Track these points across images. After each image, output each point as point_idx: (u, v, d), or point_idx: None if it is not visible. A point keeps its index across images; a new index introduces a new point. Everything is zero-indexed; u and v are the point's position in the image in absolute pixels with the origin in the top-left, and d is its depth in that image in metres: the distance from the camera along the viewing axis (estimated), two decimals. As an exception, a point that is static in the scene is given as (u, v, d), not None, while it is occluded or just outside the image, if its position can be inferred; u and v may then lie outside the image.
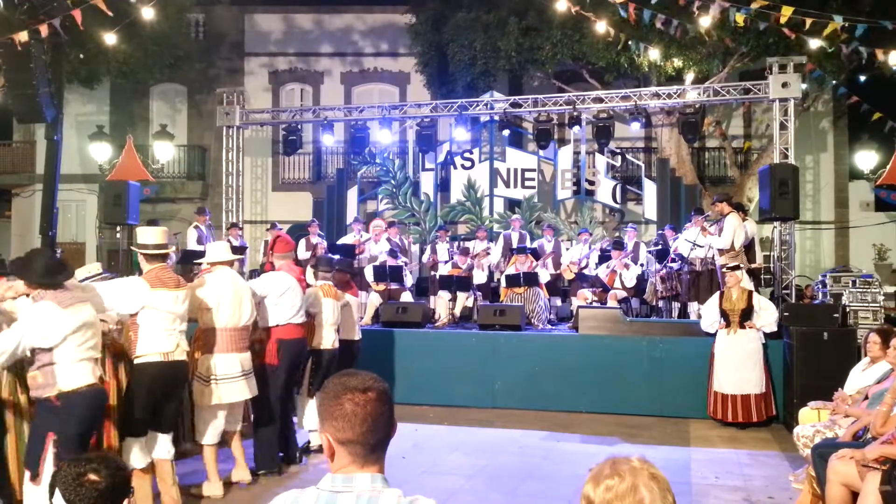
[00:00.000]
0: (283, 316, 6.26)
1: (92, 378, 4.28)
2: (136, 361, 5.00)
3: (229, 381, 5.65)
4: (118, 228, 12.31)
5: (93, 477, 1.95)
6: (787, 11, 8.49)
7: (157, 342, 4.98)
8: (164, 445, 5.22)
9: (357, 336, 7.82)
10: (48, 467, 4.04)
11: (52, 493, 1.95)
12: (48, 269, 4.31)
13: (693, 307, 10.67)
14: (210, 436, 5.74)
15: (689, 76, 14.92)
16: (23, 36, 8.78)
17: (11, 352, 4.09)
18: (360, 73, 19.61)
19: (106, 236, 18.13)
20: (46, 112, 10.20)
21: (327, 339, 6.99)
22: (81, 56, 14.01)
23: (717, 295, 8.76)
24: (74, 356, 4.23)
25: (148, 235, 5.25)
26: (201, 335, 5.72)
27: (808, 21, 8.65)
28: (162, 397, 5.11)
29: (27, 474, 4.20)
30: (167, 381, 5.09)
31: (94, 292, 4.74)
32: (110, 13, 8.83)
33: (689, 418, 8.59)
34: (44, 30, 8.91)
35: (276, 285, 6.26)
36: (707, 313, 8.73)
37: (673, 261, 11.04)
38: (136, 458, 4.99)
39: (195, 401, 5.78)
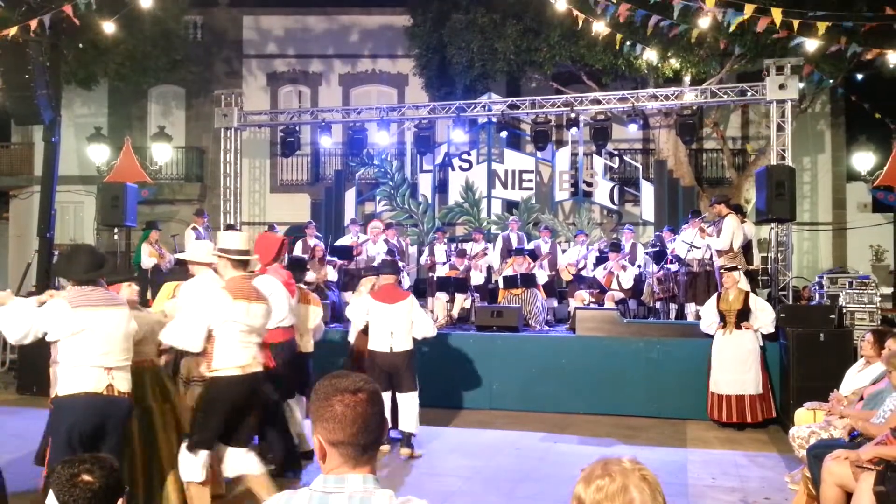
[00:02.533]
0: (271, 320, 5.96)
1: (94, 386, 4.12)
2: (211, 375, 4.72)
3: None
4: (116, 230, 12.30)
5: (86, 478, 1.95)
6: (776, 14, 8.50)
7: (234, 356, 4.67)
8: (247, 460, 4.90)
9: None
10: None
11: (45, 494, 1.96)
12: (89, 267, 4.30)
13: (690, 308, 10.69)
14: None
15: (687, 78, 14.95)
16: (13, 31, 8.78)
17: (23, 334, 4.14)
18: (358, 75, 19.62)
19: (104, 238, 18.11)
20: (44, 114, 10.21)
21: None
22: (80, 46, 13.97)
23: (715, 296, 8.78)
24: (76, 360, 4.13)
25: (231, 240, 4.91)
26: None
27: (796, 23, 8.66)
28: (238, 411, 4.82)
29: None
30: (244, 395, 4.81)
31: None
32: (104, 15, 8.83)
33: (686, 419, 8.60)
34: (34, 24, 8.90)
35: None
36: (706, 314, 8.75)
37: (670, 262, 11.05)
38: (194, 470, 4.66)
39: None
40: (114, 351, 4.25)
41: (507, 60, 15.59)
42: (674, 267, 11.01)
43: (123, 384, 4.30)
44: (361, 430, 1.83)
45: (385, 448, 6.91)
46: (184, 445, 4.69)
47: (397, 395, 7.02)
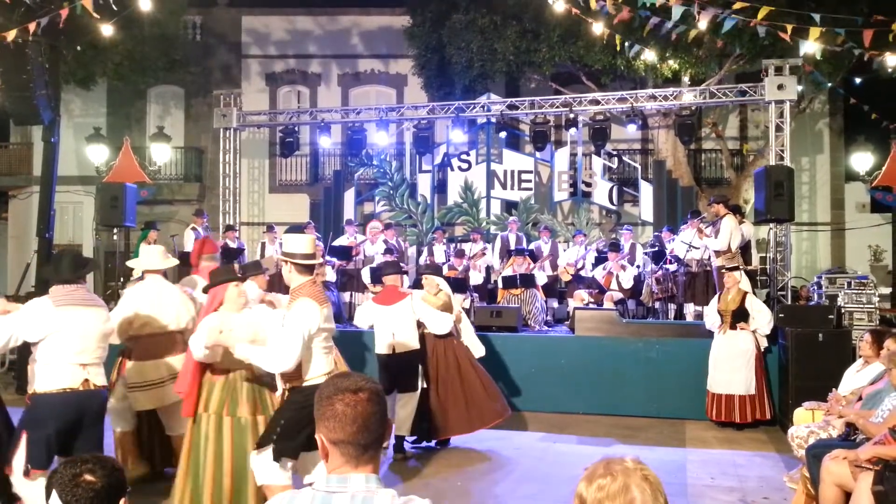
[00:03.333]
0: None
1: (70, 382, 4.25)
2: (307, 384, 4.47)
3: (145, 389, 5.61)
4: (115, 230, 12.30)
5: (88, 477, 1.96)
6: (762, 13, 8.51)
7: (323, 364, 4.52)
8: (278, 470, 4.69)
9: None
10: (18, 465, 4.18)
11: (48, 495, 1.97)
12: (74, 266, 4.50)
13: (689, 308, 10.71)
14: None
15: (686, 78, 14.97)
16: (12, 34, 8.77)
17: (3, 344, 4.24)
18: (357, 76, 19.62)
19: (103, 238, 18.11)
20: (43, 114, 10.21)
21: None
22: (79, 48, 13.96)
23: (717, 295, 8.80)
24: (54, 358, 4.28)
25: (297, 244, 4.58)
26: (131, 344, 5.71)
27: (789, 28, 8.67)
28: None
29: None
30: None
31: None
32: (96, 16, 8.81)
33: (685, 419, 8.62)
34: (32, 27, 8.90)
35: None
36: (709, 313, 8.77)
37: (669, 262, 11.07)
38: (276, 474, 4.49)
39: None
40: (90, 348, 4.42)
41: (507, 61, 15.60)
42: (672, 267, 11.03)
43: (99, 378, 4.47)
44: (362, 429, 1.84)
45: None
46: (264, 451, 4.48)
47: (396, 394, 6.90)
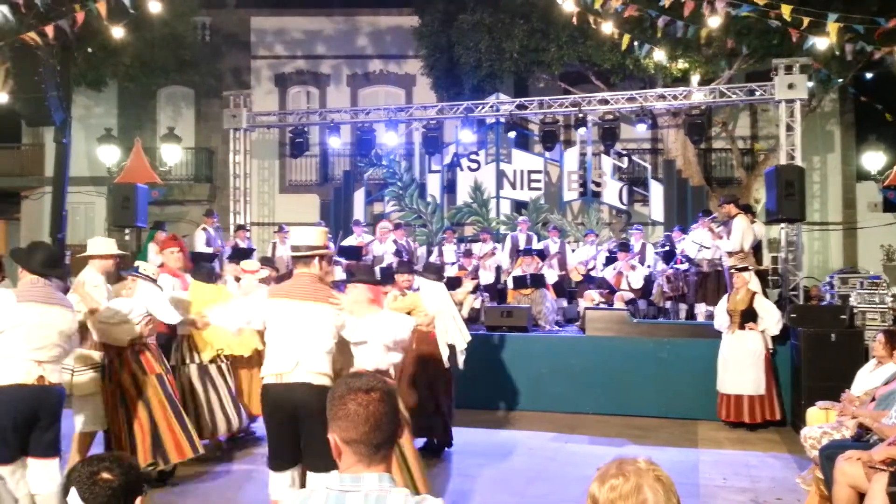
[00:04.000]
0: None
1: (23, 377, 4.27)
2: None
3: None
4: (127, 231, 12.36)
5: (106, 476, 1.98)
6: (786, 10, 8.48)
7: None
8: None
9: None
10: None
11: (66, 492, 1.99)
12: (46, 261, 4.57)
13: (700, 308, 10.67)
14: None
15: (695, 78, 14.91)
16: (33, 37, 8.85)
17: None
18: (366, 76, 19.65)
19: (115, 238, 18.20)
20: (55, 115, 10.26)
21: None
22: (90, 50, 14.05)
23: (726, 296, 8.77)
24: (10, 353, 4.30)
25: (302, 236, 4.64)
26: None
27: (806, 20, 8.63)
28: None
29: None
30: None
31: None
32: (109, 21, 8.89)
33: (696, 420, 8.59)
34: (50, 31, 8.97)
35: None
36: (718, 314, 8.75)
37: (680, 262, 11.04)
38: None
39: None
40: (47, 346, 4.41)
41: (515, 60, 15.60)
42: (683, 267, 10.99)
43: (54, 376, 4.49)
44: (374, 428, 1.86)
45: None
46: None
47: None
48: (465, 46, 15.82)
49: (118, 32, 10.20)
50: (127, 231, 12.38)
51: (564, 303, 12.28)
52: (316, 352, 4.26)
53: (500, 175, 16.01)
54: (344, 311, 4.39)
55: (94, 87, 17.39)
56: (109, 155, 17.18)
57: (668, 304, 11.39)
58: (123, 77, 17.46)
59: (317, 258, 4.49)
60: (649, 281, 11.45)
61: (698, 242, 10.63)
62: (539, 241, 13.27)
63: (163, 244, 7.56)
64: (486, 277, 12.07)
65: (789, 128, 11.55)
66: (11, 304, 4.35)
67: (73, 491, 1.98)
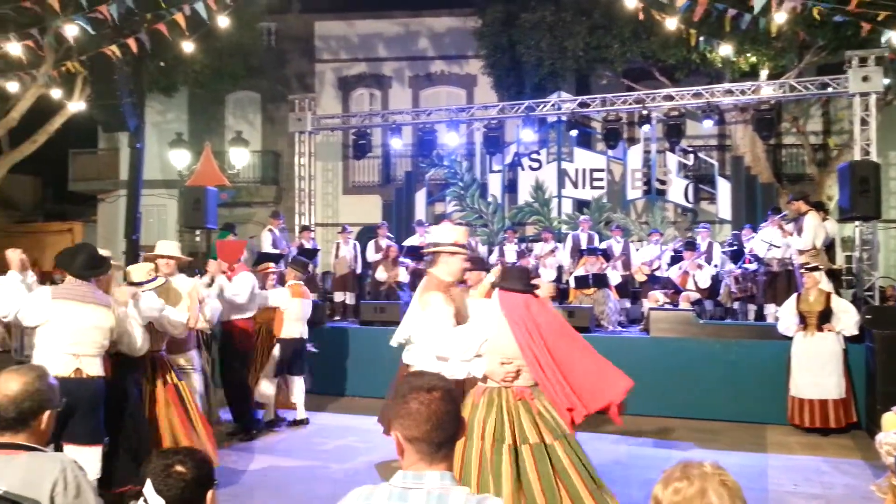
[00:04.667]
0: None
1: (62, 370, 4.50)
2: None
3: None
4: (198, 232, 12.73)
5: (179, 468, 2.06)
6: (857, 3, 8.16)
7: None
8: None
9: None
10: None
11: (143, 482, 2.08)
12: (85, 264, 4.84)
13: (770, 309, 10.38)
14: None
15: (764, 72, 14.50)
16: (115, 51, 9.21)
17: (8, 314, 4.67)
18: (428, 77, 19.77)
19: (186, 240, 18.81)
20: (129, 121, 10.64)
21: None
22: (162, 64, 14.57)
23: (794, 297, 8.50)
24: (48, 346, 4.62)
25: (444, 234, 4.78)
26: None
27: (883, 14, 8.30)
28: None
29: None
30: None
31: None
32: (187, 32, 9.18)
33: (765, 424, 8.36)
34: (133, 44, 9.32)
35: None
36: (783, 315, 8.48)
37: (749, 261, 10.77)
38: None
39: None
40: (84, 341, 4.69)
41: (577, 58, 15.46)
42: (752, 266, 10.71)
43: (93, 368, 4.71)
44: (435, 427, 1.89)
45: None
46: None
47: None
48: (527, 45, 15.76)
49: (188, 47, 10.54)
50: (197, 232, 12.75)
51: (628, 303, 12.12)
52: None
53: (562, 174, 15.89)
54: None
55: (165, 93, 18.01)
56: (180, 158, 17.75)
57: (737, 305, 11.11)
58: (193, 83, 18.02)
59: (445, 255, 4.62)
60: (716, 281, 11.20)
61: (768, 241, 10.34)
62: (601, 240, 13.13)
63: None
64: (547, 277, 12.00)
65: (864, 122, 11.12)
66: (46, 301, 4.65)
67: (148, 482, 2.07)
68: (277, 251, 12.08)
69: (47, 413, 2.55)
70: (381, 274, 11.97)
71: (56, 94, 13.83)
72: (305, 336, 8.21)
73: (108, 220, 20.74)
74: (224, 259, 7.78)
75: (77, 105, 14.62)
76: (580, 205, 15.95)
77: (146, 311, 5.30)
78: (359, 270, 12.82)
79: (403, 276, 11.84)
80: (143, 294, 5.39)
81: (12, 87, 12.53)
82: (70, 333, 4.66)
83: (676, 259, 11.60)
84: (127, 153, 12.35)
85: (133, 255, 11.78)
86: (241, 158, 18.47)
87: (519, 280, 4.17)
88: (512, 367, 4.01)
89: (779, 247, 10.14)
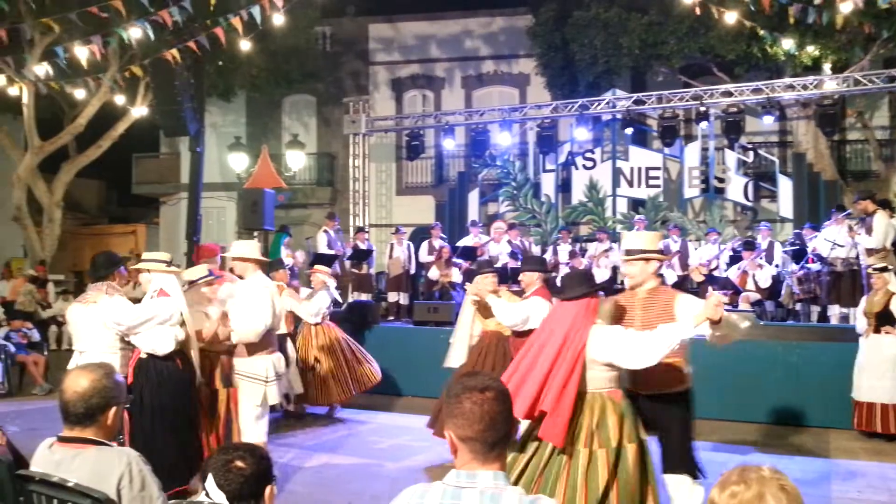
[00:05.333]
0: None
1: (70, 366, 4.85)
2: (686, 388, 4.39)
3: (273, 383, 5.46)
4: (255, 233, 12.99)
5: (239, 464, 2.12)
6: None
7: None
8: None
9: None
10: None
11: (205, 478, 2.15)
12: (93, 269, 5.36)
13: (834, 310, 10.07)
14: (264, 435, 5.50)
15: (827, 65, 14.07)
16: (176, 55, 9.49)
17: None
18: (480, 77, 19.76)
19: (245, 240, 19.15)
20: (190, 126, 10.94)
21: None
22: (220, 63, 14.92)
23: (865, 297, 8.23)
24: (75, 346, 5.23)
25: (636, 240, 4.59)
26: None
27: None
28: None
29: None
30: None
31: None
32: (244, 36, 9.39)
33: (828, 428, 8.10)
34: (193, 47, 9.58)
35: None
36: (858, 316, 8.24)
37: (811, 261, 10.46)
38: (692, 497, 4.12)
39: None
40: (82, 339, 5.21)
41: (633, 55, 15.25)
42: (815, 266, 10.41)
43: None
44: (489, 427, 1.90)
45: None
46: (680, 477, 4.10)
47: None
48: (581, 43, 15.62)
49: (245, 45, 10.76)
50: (255, 234, 13.01)
51: (685, 304, 11.89)
52: None
53: (617, 173, 15.70)
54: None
55: (224, 97, 18.44)
56: (239, 162, 18.13)
57: (799, 306, 10.81)
58: (251, 88, 18.40)
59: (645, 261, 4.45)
60: (777, 281, 10.91)
61: (831, 240, 10.04)
62: (658, 239, 12.92)
63: (202, 253, 7.83)
64: (601, 276, 11.87)
65: (934, 116, 10.71)
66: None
67: (209, 477, 2.13)
68: (332, 252, 12.25)
69: (114, 409, 2.65)
70: (433, 274, 12.02)
71: (120, 100, 14.31)
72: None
73: (170, 223, 21.33)
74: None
75: (140, 110, 15.10)
76: (635, 204, 15.74)
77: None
78: (412, 271, 12.90)
79: (456, 276, 11.86)
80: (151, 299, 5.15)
81: (79, 93, 13.00)
82: (73, 333, 5.30)
83: (735, 259, 11.35)
84: (188, 157, 12.67)
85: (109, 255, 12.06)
86: (298, 161, 18.76)
87: (575, 286, 4.05)
88: None
89: (843, 246, 9.83)
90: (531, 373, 3.89)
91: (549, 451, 3.84)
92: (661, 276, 5.06)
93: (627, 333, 3.94)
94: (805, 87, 12.03)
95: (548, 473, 3.81)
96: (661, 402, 4.16)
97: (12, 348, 10.98)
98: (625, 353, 3.78)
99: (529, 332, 5.04)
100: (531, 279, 5.95)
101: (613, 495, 3.72)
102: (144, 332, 5.00)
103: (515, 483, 3.50)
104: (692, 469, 4.09)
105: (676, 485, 4.12)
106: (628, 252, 4.38)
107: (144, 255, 5.52)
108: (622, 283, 11.60)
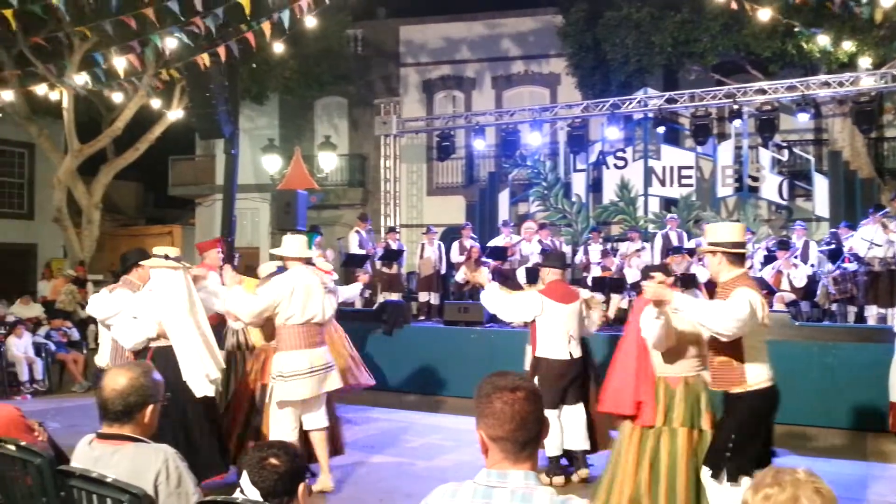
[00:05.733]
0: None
1: None
2: (751, 389, 4.33)
3: (296, 379, 5.41)
4: (288, 234, 13.11)
5: (273, 461, 2.17)
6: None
7: (763, 365, 4.50)
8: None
9: None
10: None
11: (240, 474, 2.20)
12: (123, 263, 5.68)
13: (871, 311, 9.90)
14: (288, 433, 5.45)
15: (864, 61, 13.80)
16: (205, 59, 9.63)
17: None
18: (511, 77, 19.72)
19: (277, 241, 19.32)
20: (224, 128, 11.07)
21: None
22: (254, 65, 15.11)
23: None
24: None
25: (725, 232, 4.33)
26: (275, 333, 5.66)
27: None
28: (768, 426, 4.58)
29: None
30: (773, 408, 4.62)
31: None
32: (276, 41, 9.49)
33: (865, 431, 7.96)
34: (222, 52, 9.71)
35: None
36: None
37: (848, 261, 10.29)
38: (716, 496, 4.19)
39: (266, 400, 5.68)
40: (100, 332, 5.77)
41: (665, 54, 15.10)
42: (852, 266, 10.23)
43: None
44: (519, 426, 1.90)
45: (559, 480, 5.98)
46: (712, 474, 4.15)
47: (564, 407, 6.12)
48: (612, 43, 15.52)
49: (279, 48, 10.89)
50: (288, 234, 13.14)
51: (718, 304, 11.76)
52: None
53: (649, 172, 15.56)
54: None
55: (257, 100, 18.66)
56: (272, 163, 18.34)
57: (835, 307, 10.63)
58: (284, 90, 18.58)
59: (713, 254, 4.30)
60: (813, 281, 10.74)
61: (868, 239, 9.86)
62: (690, 239, 12.80)
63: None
64: (632, 276, 11.78)
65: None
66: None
67: (244, 474, 2.18)
68: (364, 252, 12.34)
69: (151, 407, 2.71)
70: (460, 276, 12.03)
71: (156, 103, 14.55)
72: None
73: (205, 223, 21.63)
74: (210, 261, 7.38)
75: (175, 114, 15.34)
76: (667, 203, 15.59)
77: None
78: (443, 271, 12.94)
79: (485, 276, 11.85)
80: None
81: (117, 97, 13.24)
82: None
83: (770, 258, 11.19)
84: (222, 159, 12.84)
85: (229, 255, 12.25)
86: (329, 162, 18.91)
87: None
88: None
89: (881, 245, 9.65)
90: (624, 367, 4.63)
91: (628, 432, 4.49)
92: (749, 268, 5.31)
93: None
94: (841, 84, 11.83)
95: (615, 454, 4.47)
96: (726, 400, 4.33)
97: (53, 347, 11.25)
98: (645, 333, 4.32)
99: None
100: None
101: (663, 474, 4.30)
102: (116, 325, 5.39)
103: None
104: (717, 467, 4.12)
105: (704, 478, 4.22)
106: (710, 244, 4.36)
107: (153, 251, 5.44)
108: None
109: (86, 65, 11.59)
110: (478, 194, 16.73)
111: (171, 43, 9.23)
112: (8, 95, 11.92)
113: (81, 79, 11.24)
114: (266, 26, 8.90)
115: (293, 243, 5.89)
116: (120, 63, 9.63)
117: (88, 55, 11.48)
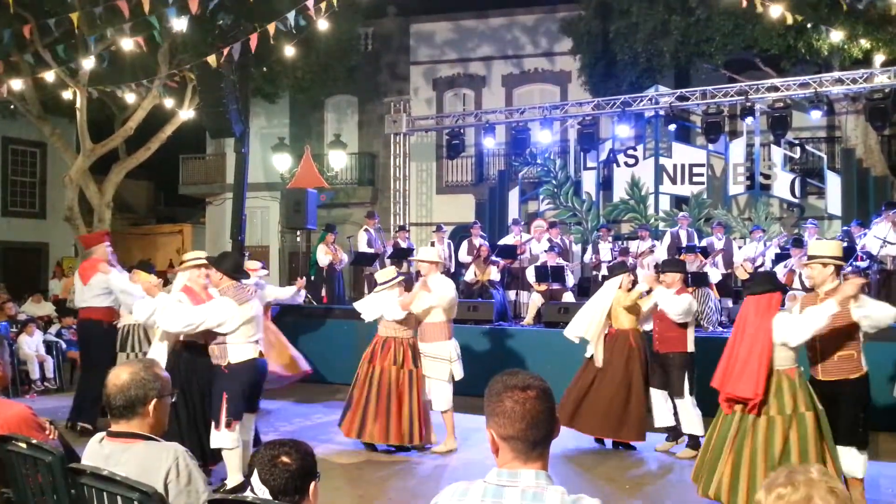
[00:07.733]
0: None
1: (254, 354, 5.43)
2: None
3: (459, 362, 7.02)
4: (298, 232, 13.14)
5: (285, 459, 2.17)
6: None
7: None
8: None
9: None
10: (224, 417, 5.26)
11: (250, 472, 2.19)
12: (237, 266, 5.67)
13: (884, 309, 9.79)
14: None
15: (878, 58, 13.69)
16: (212, 60, 9.65)
17: (194, 326, 5.33)
18: (521, 75, 19.69)
19: (287, 240, 19.45)
20: (235, 127, 11.11)
21: None
22: (265, 69, 15.14)
23: None
24: (242, 339, 5.39)
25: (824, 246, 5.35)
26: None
27: None
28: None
29: (213, 423, 5.37)
30: None
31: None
32: (287, 41, 9.48)
33: (877, 431, 7.88)
34: (235, 53, 9.73)
35: None
36: None
37: (861, 259, 10.21)
38: (857, 465, 5.02)
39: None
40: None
41: (676, 52, 15.02)
42: (864, 264, 10.15)
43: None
44: (531, 425, 1.89)
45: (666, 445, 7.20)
46: (848, 448, 4.98)
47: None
48: (623, 41, 15.44)
49: (289, 51, 10.91)
50: (298, 233, 13.17)
51: (730, 303, 11.70)
52: None
53: (659, 170, 15.49)
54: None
55: (268, 99, 18.70)
56: (282, 162, 18.38)
57: (848, 305, 10.53)
58: (295, 89, 18.60)
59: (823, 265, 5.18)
60: (825, 279, 10.65)
61: (881, 238, 9.78)
62: (701, 237, 12.73)
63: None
64: (644, 276, 11.72)
65: None
66: (235, 308, 5.38)
67: (255, 472, 2.17)
68: (373, 251, 12.34)
69: (154, 401, 2.67)
70: (469, 275, 12.02)
71: (168, 103, 14.60)
72: None
73: (216, 222, 21.71)
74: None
75: (187, 113, 15.39)
76: (678, 201, 15.51)
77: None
78: (452, 269, 12.92)
79: (495, 274, 11.84)
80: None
81: (129, 97, 13.29)
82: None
83: (782, 257, 11.12)
84: (233, 158, 12.87)
85: (238, 254, 12.28)
86: (339, 161, 18.93)
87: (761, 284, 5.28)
88: None
89: (893, 243, 9.58)
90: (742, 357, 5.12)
91: (737, 420, 4.98)
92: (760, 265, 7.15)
93: (789, 317, 5.08)
94: (854, 81, 11.73)
95: (739, 438, 4.90)
96: (838, 387, 5.11)
97: (64, 345, 11.30)
98: (787, 331, 4.95)
99: None
100: (673, 279, 7.07)
101: (794, 455, 4.69)
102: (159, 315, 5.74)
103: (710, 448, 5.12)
104: (860, 442, 5.00)
105: (844, 454, 4.94)
106: (810, 257, 5.27)
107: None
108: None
109: (99, 62, 11.62)
110: (487, 192, 16.71)
111: (179, 25, 9.19)
112: (17, 84, 11.98)
113: (90, 63, 11.31)
114: (272, 27, 8.91)
115: (431, 251, 7.54)
116: (127, 44, 9.63)
117: (101, 54, 11.52)
